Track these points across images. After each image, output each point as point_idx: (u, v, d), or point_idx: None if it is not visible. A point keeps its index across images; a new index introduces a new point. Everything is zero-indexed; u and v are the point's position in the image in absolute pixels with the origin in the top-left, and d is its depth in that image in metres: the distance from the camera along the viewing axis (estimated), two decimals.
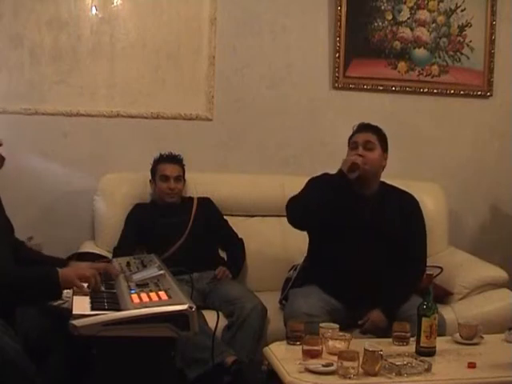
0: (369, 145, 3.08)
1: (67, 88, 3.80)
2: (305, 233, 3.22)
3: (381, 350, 2.36)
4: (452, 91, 4.25)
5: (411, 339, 2.66)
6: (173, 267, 2.60)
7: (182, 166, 3.63)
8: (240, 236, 3.69)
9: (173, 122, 3.94)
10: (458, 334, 2.77)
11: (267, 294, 3.38)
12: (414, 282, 3.07)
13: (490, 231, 4.41)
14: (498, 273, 3.52)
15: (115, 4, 3.83)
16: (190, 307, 2.05)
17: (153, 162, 3.63)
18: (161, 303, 2.10)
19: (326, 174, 3.09)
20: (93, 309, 2.14)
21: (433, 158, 4.27)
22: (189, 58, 3.94)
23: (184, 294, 2.20)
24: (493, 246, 4.36)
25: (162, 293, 2.20)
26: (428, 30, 4.18)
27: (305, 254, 3.32)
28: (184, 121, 3.96)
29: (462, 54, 4.23)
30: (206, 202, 3.68)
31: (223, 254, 3.66)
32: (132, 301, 2.15)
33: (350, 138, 3.15)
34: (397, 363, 2.39)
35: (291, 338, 2.66)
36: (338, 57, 4.08)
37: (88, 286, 2.33)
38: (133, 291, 2.25)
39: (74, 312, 2.09)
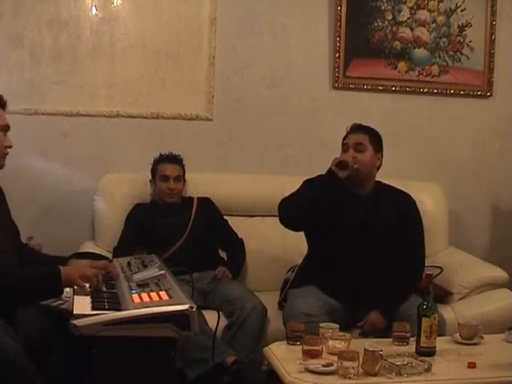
0: (359, 146, 3.08)
1: (67, 88, 3.80)
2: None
3: (381, 350, 2.36)
4: (452, 91, 4.25)
5: (411, 339, 2.66)
6: (173, 267, 2.60)
7: (182, 166, 3.63)
8: (240, 236, 3.69)
9: (173, 121, 3.94)
10: (458, 334, 2.77)
11: (267, 294, 3.39)
12: (413, 282, 3.07)
13: (490, 231, 4.41)
14: (498, 273, 3.53)
15: (115, 4, 3.83)
16: (191, 307, 2.05)
17: (153, 161, 3.63)
18: (161, 303, 2.10)
19: (320, 175, 3.10)
20: (93, 308, 2.14)
21: (433, 158, 4.27)
22: (189, 58, 3.94)
23: (185, 294, 2.20)
24: (493, 246, 4.36)
25: (162, 293, 2.20)
26: (428, 30, 4.18)
27: (304, 255, 3.32)
28: (184, 121, 3.96)
29: (462, 53, 4.23)
30: (205, 202, 3.68)
31: (223, 254, 3.67)
32: (133, 301, 2.15)
33: (343, 140, 3.16)
34: (397, 363, 2.39)
35: (291, 338, 2.66)
36: (338, 57, 4.08)
37: (90, 286, 2.33)
38: (133, 291, 2.25)
39: (74, 312, 2.09)
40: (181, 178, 3.61)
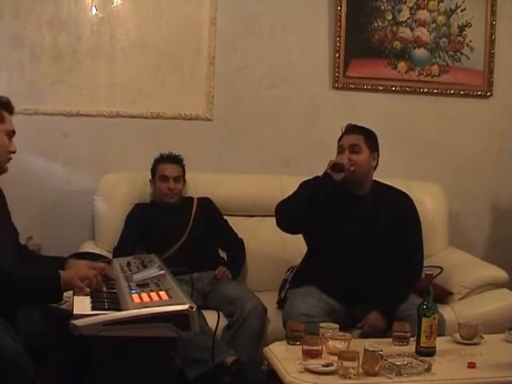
0: (355, 147, 3.08)
1: (67, 88, 3.80)
2: None
3: (381, 350, 2.36)
4: (452, 91, 4.25)
5: (411, 339, 2.66)
6: (173, 267, 2.60)
7: (182, 167, 3.63)
8: (240, 236, 3.69)
9: (173, 121, 3.95)
10: (458, 334, 2.77)
11: (267, 294, 3.39)
12: (412, 282, 3.08)
13: (489, 231, 4.41)
14: (497, 273, 3.52)
15: (115, 4, 3.83)
16: (191, 307, 2.05)
17: (153, 161, 3.63)
18: (161, 303, 2.10)
19: (317, 177, 3.10)
20: (93, 309, 2.14)
21: (433, 158, 4.27)
22: (189, 58, 3.94)
23: (184, 293, 2.20)
24: (493, 246, 4.36)
25: (162, 293, 2.20)
26: (428, 30, 4.18)
27: (303, 255, 3.32)
28: (184, 121, 3.96)
29: (462, 54, 4.23)
30: (205, 202, 3.68)
31: (223, 254, 3.67)
32: (132, 301, 2.15)
33: (339, 141, 3.15)
34: (397, 363, 2.39)
35: (291, 338, 2.66)
36: (338, 57, 4.08)
37: (89, 287, 2.33)
38: (133, 291, 2.25)
39: (74, 312, 2.09)
40: (180, 179, 3.61)
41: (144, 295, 2.19)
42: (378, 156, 3.17)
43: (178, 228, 3.51)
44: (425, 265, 3.22)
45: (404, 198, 3.22)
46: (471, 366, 2.47)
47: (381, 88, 4.17)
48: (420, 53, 4.19)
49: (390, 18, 4.13)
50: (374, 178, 3.20)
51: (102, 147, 3.88)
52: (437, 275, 3.36)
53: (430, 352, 2.55)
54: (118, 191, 3.72)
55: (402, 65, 4.17)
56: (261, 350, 2.74)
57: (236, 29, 3.99)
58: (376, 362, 2.35)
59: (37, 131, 3.78)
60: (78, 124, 3.84)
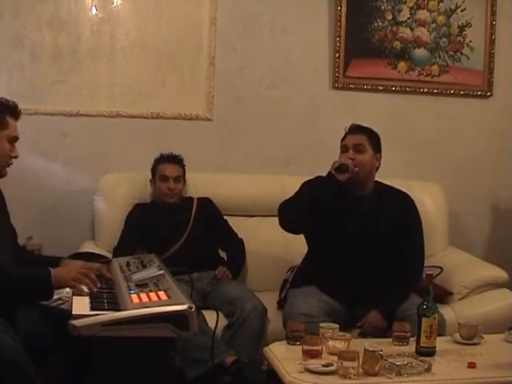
0: (359, 147, 3.08)
1: (67, 88, 3.80)
2: None
3: (381, 350, 2.36)
4: (452, 91, 4.25)
5: (411, 339, 2.66)
6: (173, 267, 2.60)
7: (183, 167, 3.63)
8: (240, 236, 3.69)
9: (173, 121, 3.95)
10: (458, 334, 2.77)
11: (267, 294, 3.38)
12: (413, 282, 3.08)
13: (489, 231, 4.41)
14: (497, 273, 3.52)
15: (115, 4, 3.83)
16: (190, 307, 2.05)
17: (153, 161, 3.63)
18: (160, 303, 2.10)
19: (319, 177, 3.09)
20: (92, 309, 2.14)
21: (433, 157, 4.27)
22: (189, 58, 3.94)
23: (183, 294, 2.20)
24: (493, 246, 4.36)
25: (161, 293, 2.20)
26: (428, 30, 4.18)
27: (304, 255, 3.32)
28: (184, 121, 3.96)
29: (462, 54, 4.23)
30: (205, 202, 3.68)
31: (223, 254, 3.66)
32: (131, 301, 2.15)
33: (342, 141, 3.15)
34: (397, 363, 2.39)
35: (291, 338, 2.66)
36: (338, 57, 4.08)
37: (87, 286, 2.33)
38: (132, 291, 2.25)
39: (73, 312, 2.09)
40: (181, 179, 3.61)
41: (143, 295, 2.18)
42: (381, 157, 3.17)
43: (178, 228, 3.51)
44: (425, 265, 3.21)
45: (405, 199, 3.22)
46: (471, 366, 2.47)
47: (381, 88, 4.17)
48: (420, 53, 4.19)
49: (390, 18, 4.13)
50: (375, 179, 3.20)
51: (102, 147, 3.88)
52: (437, 275, 3.36)
53: (430, 352, 2.55)
54: (118, 191, 3.72)
55: (401, 65, 4.17)
56: (261, 350, 2.74)
57: (236, 29, 3.99)
58: (376, 362, 2.34)
59: (37, 131, 3.78)
60: (78, 124, 3.84)
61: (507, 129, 4.34)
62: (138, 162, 3.78)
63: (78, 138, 3.85)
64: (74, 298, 2.26)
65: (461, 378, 2.43)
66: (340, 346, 2.53)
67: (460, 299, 3.44)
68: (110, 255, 3.34)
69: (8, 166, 2.58)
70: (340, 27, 4.05)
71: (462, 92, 4.27)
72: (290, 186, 3.26)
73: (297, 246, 3.44)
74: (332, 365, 2.37)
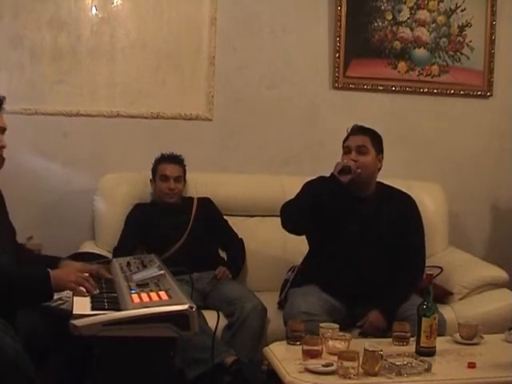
0: (362, 149, 3.07)
1: (67, 88, 3.80)
2: None
3: (381, 350, 2.36)
4: (452, 91, 4.26)
5: (411, 339, 2.66)
6: (173, 267, 2.59)
7: (183, 167, 3.63)
8: (240, 236, 3.69)
9: (173, 121, 3.95)
10: (458, 334, 2.77)
11: (267, 294, 3.38)
12: (414, 282, 3.08)
13: (490, 231, 4.41)
14: (497, 273, 3.52)
15: (115, 4, 3.83)
16: (191, 307, 2.05)
17: (154, 161, 3.63)
18: (161, 303, 2.10)
19: (321, 177, 3.09)
20: (93, 309, 2.14)
21: (433, 158, 4.27)
22: (189, 58, 3.94)
23: (184, 293, 2.20)
24: (493, 246, 4.36)
25: (162, 293, 2.20)
26: (428, 30, 4.18)
27: (304, 255, 3.32)
28: (184, 121, 3.96)
29: (462, 54, 4.23)
30: (206, 202, 3.68)
31: (223, 254, 3.66)
32: (132, 301, 2.15)
33: (344, 142, 3.15)
34: (397, 363, 2.39)
35: (291, 338, 2.66)
36: (338, 57, 4.08)
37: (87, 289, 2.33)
38: (133, 291, 2.25)
39: (74, 312, 2.09)
40: (181, 179, 3.61)
41: (144, 295, 2.18)
42: (383, 159, 3.17)
43: (178, 228, 3.51)
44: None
45: (406, 199, 3.22)
46: (471, 366, 2.47)
47: (381, 88, 4.17)
48: (420, 53, 4.19)
49: (390, 18, 4.13)
50: (377, 180, 3.20)
51: (101, 147, 3.88)
52: (437, 275, 3.36)
53: (430, 352, 2.55)
54: (118, 191, 3.72)
55: (401, 65, 4.17)
56: (261, 350, 2.74)
57: (236, 29, 3.99)
58: (376, 362, 2.35)
59: (37, 131, 3.78)
60: (78, 124, 3.84)
61: (507, 129, 4.34)
62: (138, 162, 3.78)
63: (78, 138, 3.85)
64: (75, 297, 2.27)
65: (461, 378, 2.43)
66: (340, 345, 2.53)
67: (460, 299, 3.44)
68: (110, 255, 3.34)
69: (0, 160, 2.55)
70: (340, 27, 4.05)
71: (461, 92, 4.27)
72: (289, 186, 3.27)
73: (297, 245, 3.44)
74: (332, 365, 2.37)
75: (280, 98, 4.07)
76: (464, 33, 4.22)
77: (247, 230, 3.75)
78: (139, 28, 3.87)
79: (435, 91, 4.24)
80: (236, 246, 3.67)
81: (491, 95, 4.30)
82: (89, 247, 3.50)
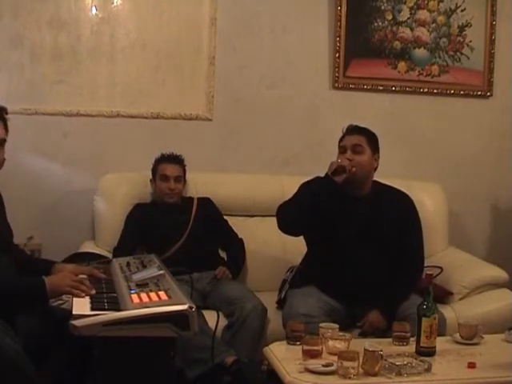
0: (357, 148, 3.08)
1: (67, 88, 3.80)
2: None
3: (381, 350, 2.36)
4: (452, 91, 4.26)
5: (411, 339, 2.66)
6: (173, 267, 2.60)
7: (183, 167, 3.63)
8: (240, 236, 3.69)
9: (173, 121, 3.95)
10: (458, 334, 2.77)
11: (267, 294, 3.38)
12: (413, 281, 3.08)
13: (490, 231, 4.41)
14: (497, 273, 3.53)
15: (115, 4, 3.83)
16: (190, 307, 2.05)
17: (154, 161, 3.63)
18: (161, 303, 2.10)
19: (317, 177, 3.09)
20: (93, 309, 2.14)
21: (433, 158, 4.27)
22: (189, 58, 3.94)
23: (184, 294, 2.20)
24: (493, 246, 4.36)
25: (161, 293, 2.20)
26: (428, 30, 4.18)
27: (303, 255, 3.32)
28: (184, 121, 3.96)
29: (462, 54, 4.23)
30: (205, 202, 3.68)
31: (223, 254, 3.66)
32: (132, 301, 2.15)
33: (340, 142, 3.15)
34: (397, 363, 2.39)
35: (291, 338, 2.66)
36: (338, 57, 4.08)
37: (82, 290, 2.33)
38: (133, 291, 2.25)
39: (74, 312, 2.09)
40: (181, 179, 3.61)
41: (143, 295, 2.18)
42: (379, 158, 3.17)
43: (178, 228, 3.51)
44: (425, 265, 3.21)
45: (404, 199, 3.22)
46: (471, 366, 2.47)
47: (381, 88, 4.17)
48: (420, 53, 4.19)
49: (390, 18, 4.13)
50: (373, 179, 3.20)
51: (102, 147, 3.88)
52: (437, 275, 3.36)
53: (430, 352, 2.55)
54: (118, 191, 3.72)
55: (401, 65, 4.17)
56: (261, 350, 2.74)
57: (236, 29, 3.99)
58: (376, 362, 2.34)
59: (37, 131, 3.78)
60: (78, 124, 3.84)
61: (507, 129, 4.34)
62: (138, 162, 3.78)
63: (78, 138, 3.85)
64: (75, 298, 2.27)
65: (461, 378, 2.43)
66: (340, 345, 2.53)
67: (460, 299, 3.44)
68: (109, 255, 3.34)
69: None
70: (340, 27, 4.05)
71: (462, 92, 4.27)
72: (289, 186, 3.26)
73: (296, 246, 3.44)
74: (332, 365, 2.37)
75: (280, 97, 4.08)
76: (464, 33, 4.22)
77: (247, 230, 3.75)
78: (139, 28, 3.87)
79: (435, 91, 4.24)
80: (236, 246, 3.67)
81: (491, 95, 4.31)
82: (89, 247, 3.51)
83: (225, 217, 3.72)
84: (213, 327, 2.60)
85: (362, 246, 3.06)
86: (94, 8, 3.80)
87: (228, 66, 3.98)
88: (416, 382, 2.36)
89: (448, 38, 4.21)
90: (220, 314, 2.68)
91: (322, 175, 3.05)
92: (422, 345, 2.56)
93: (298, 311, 2.92)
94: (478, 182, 4.35)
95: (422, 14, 4.17)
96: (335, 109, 4.13)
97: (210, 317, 2.90)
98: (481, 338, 2.77)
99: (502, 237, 4.37)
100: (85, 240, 3.68)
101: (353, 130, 3.14)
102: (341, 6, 4.03)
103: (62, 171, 3.83)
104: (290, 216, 3.05)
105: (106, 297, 2.28)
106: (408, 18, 4.15)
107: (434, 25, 4.19)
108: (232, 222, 3.72)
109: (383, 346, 2.47)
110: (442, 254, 3.81)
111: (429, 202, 3.85)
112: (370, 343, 2.42)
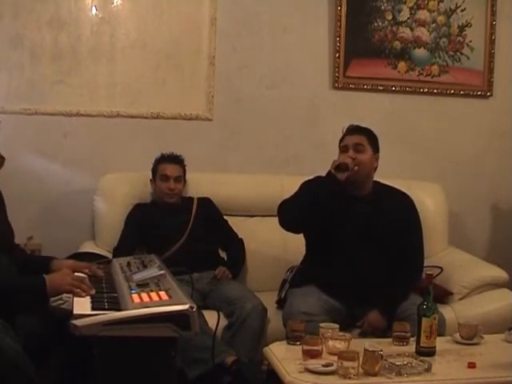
0: (359, 147, 3.08)
1: (67, 88, 3.80)
2: None
3: (381, 350, 2.36)
4: (452, 91, 4.26)
5: (411, 339, 2.66)
6: (173, 267, 2.60)
7: (183, 167, 3.63)
8: (240, 236, 3.69)
9: (173, 121, 3.95)
10: (458, 334, 2.77)
11: (267, 294, 3.38)
12: (413, 281, 3.08)
13: (490, 231, 4.41)
14: (497, 273, 3.53)
15: (115, 4, 3.83)
16: (191, 307, 2.05)
17: (154, 161, 3.63)
18: (161, 303, 2.10)
19: (318, 177, 3.09)
20: (93, 309, 2.14)
21: (433, 158, 4.28)
22: (189, 58, 3.94)
23: (184, 294, 2.20)
24: (493, 246, 4.36)
25: (162, 293, 2.20)
26: (428, 30, 4.18)
27: (303, 255, 3.33)
28: (184, 121, 3.96)
29: (462, 54, 4.23)
30: (206, 202, 3.68)
31: (223, 254, 3.66)
32: (132, 301, 2.15)
33: (340, 142, 3.15)
34: (397, 363, 2.39)
35: (291, 337, 2.66)
36: (338, 57, 4.08)
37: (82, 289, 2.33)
38: (133, 291, 2.25)
39: (74, 312, 2.09)
40: (181, 179, 3.61)
41: (144, 295, 2.19)
42: (379, 158, 3.17)
43: (178, 228, 3.51)
44: (425, 265, 3.21)
45: (404, 199, 3.22)
46: (471, 366, 2.47)
47: (381, 88, 4.17)
48: (420, 53, 4.19)
49: (390, 18, 4.13)
50: (374, 179, 3.20)
51: (101, 147, 3.88)
52: (437, 275, 3.36)
53: (430, 352, 2.55)
54: (118, 191, 3.72)
55: (401, 65, 4.17)
56: (261, 350, 2.74)
57: (236, 29, 3.99)
58: (376, 362, 2.35)
59: (37, 131, 3.78)
60: (78, 124, 3.84)
61: (507, 129, 4.34)
62: (138, 162, 3.78)
63: (77, 137, 3.85)
64: (75, 297, 2.27)
65: (461, 378, 2.43)
66: (340, 346, 2.53)
67: (460, 299, 3.44)
68: (109, 255, 3.34)
69: None
70: (340, 27, 4.05)
71: (462, 92, 4.27)
72: (289, 185, 3.26)
73: (296, 245, 3.43)
74: (332, 365, 2.37)
75: (280, 97, 4.08)
76: (464, 33, 4.22)
77: (247, 230, 3.75)
78: (139, 28, 3.87)
79: (435, 91, 4.24)
80: (236, 246, 3.67)
81: (491, 95, 4.31)
82: (89, 247, 3.50)
83: (225, 217, 3.72)
84: (213, 327, 2.61)
85: (362, 246, 3.06)
86: (93, 8, 3.80)
87: (228, 66, 3.98)
88: (416, 382, 2.36)
89: (448, 38, 4.21)
90: (220, 313, 2.68)
91: (323, 175, 3.05)
92: (422, 345, 2.56)
93: (298, 310, 2.92)
94: (478, 182, 4.35)
95: (422, 14, 4.17)
96: (335, 109, 4.13)
97: (210, 317, 2.90)
98: (481, 338, 2.77)
99: (502, 237, 4.37)
100: (85, 240, 3.68)
101: (354, 129, 3.15)
102: (341, 6, 4.03)
103: (62, 171, 3.83)
104: (290, 214, 3.06)
105: (106, 296, 2.28)
106: (408, 18, 4.15)
107: (433, 25, 4.19)
108: (232, 222, 3.72)
109: (383, 345, 2.47)
110: (442, 254, 3.81)
111: (429, 202, 3.85)
112: (370, 343, 2.42)
